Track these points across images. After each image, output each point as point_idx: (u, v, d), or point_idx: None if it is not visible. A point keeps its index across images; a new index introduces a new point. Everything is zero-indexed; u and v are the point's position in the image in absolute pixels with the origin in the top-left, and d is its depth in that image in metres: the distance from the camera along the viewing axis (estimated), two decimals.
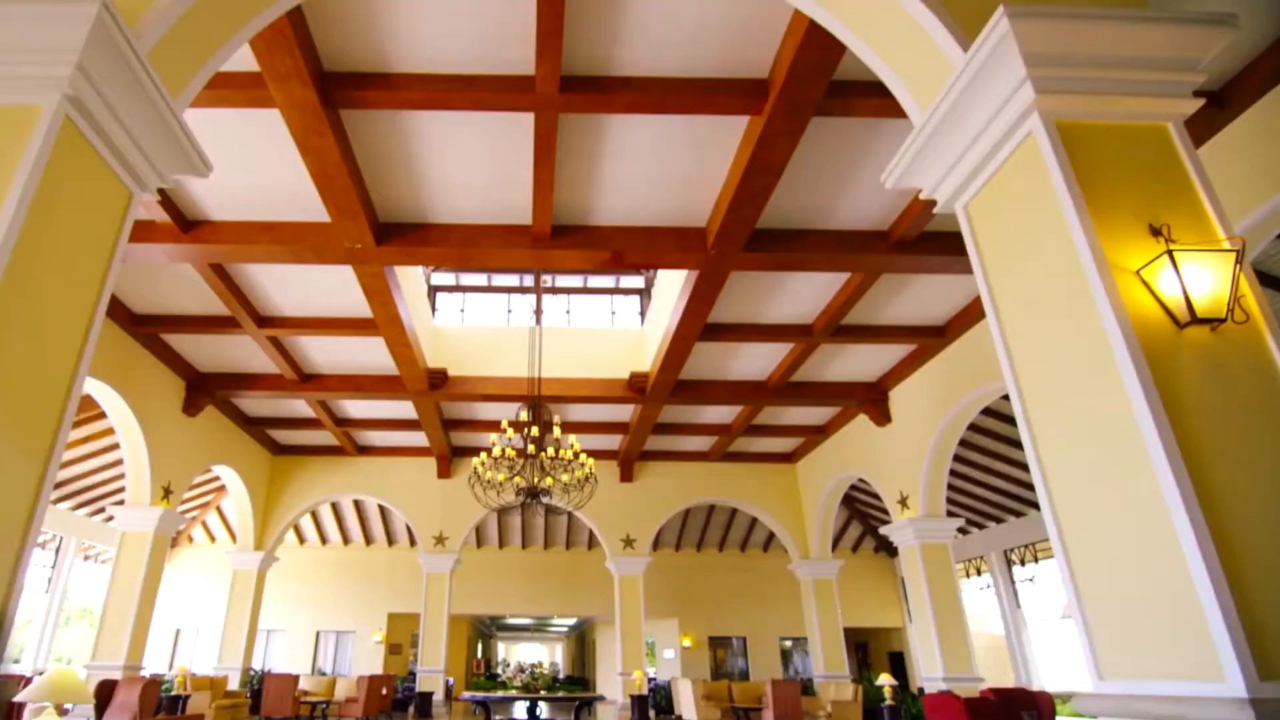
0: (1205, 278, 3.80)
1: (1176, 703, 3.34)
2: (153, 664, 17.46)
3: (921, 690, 12.37)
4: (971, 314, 9.24)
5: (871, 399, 11.72)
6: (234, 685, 14.27)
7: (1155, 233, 4.03)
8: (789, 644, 21.43)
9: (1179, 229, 3.98)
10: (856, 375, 11.66)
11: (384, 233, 7.81)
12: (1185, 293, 3.79)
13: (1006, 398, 10.67)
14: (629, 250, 7.68)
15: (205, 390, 12.08)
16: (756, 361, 11.19)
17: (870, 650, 22.74)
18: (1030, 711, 9.31)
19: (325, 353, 11.34)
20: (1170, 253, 3.83)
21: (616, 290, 13.02)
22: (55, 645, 16.75)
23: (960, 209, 4.65)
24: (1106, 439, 3.83)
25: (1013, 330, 4.55)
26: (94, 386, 10.16)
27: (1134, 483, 3.60)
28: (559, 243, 7.70)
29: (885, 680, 12.46)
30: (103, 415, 11.80)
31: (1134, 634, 3.68)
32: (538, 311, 11.61)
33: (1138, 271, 3.95)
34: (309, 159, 6.41)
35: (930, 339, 9.86)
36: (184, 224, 7.86)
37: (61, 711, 12.09)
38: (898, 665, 21.17)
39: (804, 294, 9.20)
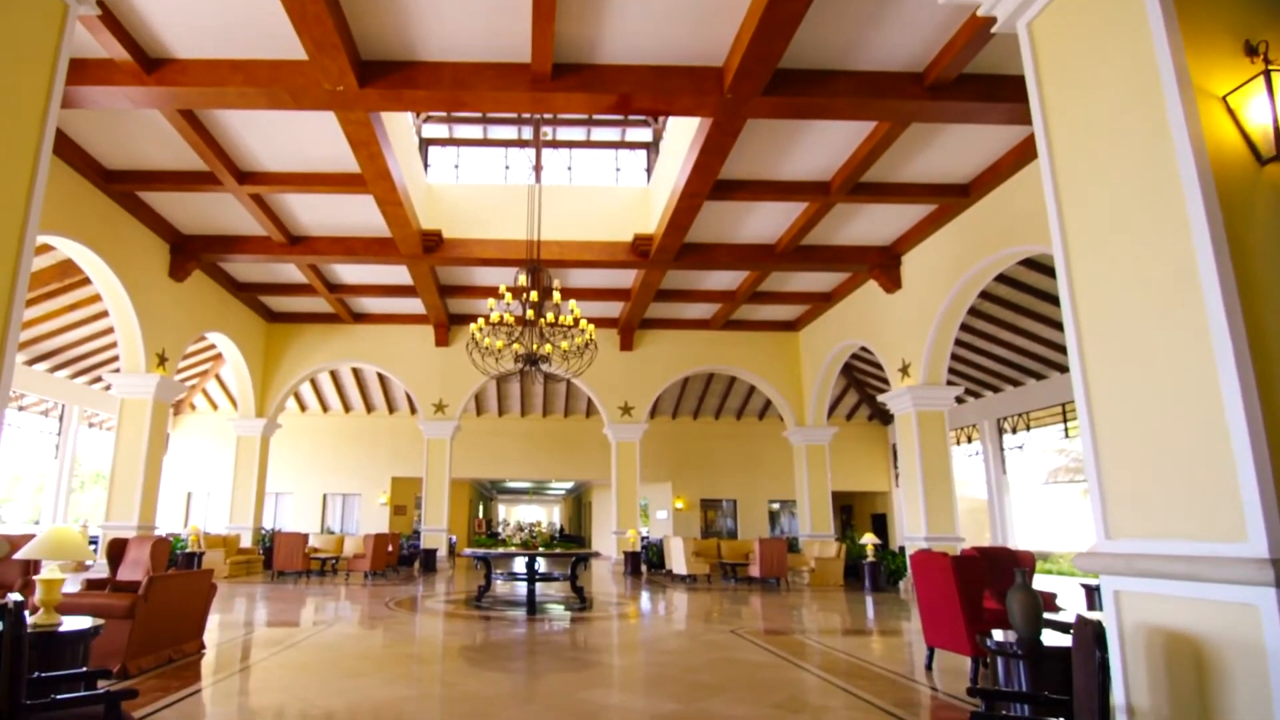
0: None
1: (1189, 562, 3.28)
2: (167, 524, 18.00)
3: (902, 549, 12.92)
4: (1000, 170, 8.69)
5: (883, 264, 11.36)
6: (246, 544, 14.75)
7: (1251, 51, 3.57)
8: (776, 506, 22.27)
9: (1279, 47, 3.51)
10: (870, 239, 11.23)
11: (367, 73, 7.10)
12: (1276, 121, 3.39)
13: (1024, 262, 10.35)
14: (638, 93, 7.03)
15: (190, 253, 11.60)
16: (767, 223, 10.72)
17: (855, 512, 23.73)
18: (1021, 569, 9.75)
19: (313, 212, 10.79)
20: (1267, 73, 3.41)
21: (622, 145, 12.22)
22: (72, 508, 17.18)
23: (1022, 27, 4.15)
24: (1157, 286, 3.56)
25: (1066, 167, 4.18)
26: (73, 249, 9.71)
27: (1181, 334, 3.39)
28: (561, 84, 7.02)
29: (868, 539, 12.99)
30: (89, 281, 11.36)
31: (1150, 493, 3.57)
32: (537, 167, 10.96)
33: (1224, 97, 3.54)
34: None
35: (953, 198, 9.36)
36: (146, 63, 7.12)
37: (82, 568, 12.53)
38: (880, 526, 22.14)
39: (824, 147, 8.60)
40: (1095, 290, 3.98)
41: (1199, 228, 3.33)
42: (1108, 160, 3.88)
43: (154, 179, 9.62)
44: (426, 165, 12.69)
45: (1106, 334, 3.89)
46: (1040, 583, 11.26)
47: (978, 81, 7.03)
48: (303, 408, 21.22)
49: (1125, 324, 3.76)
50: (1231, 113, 3.51)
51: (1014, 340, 13.81)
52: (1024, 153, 8.23)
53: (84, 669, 3.77)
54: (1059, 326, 12.48)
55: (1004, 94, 7.00)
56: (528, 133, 12.37)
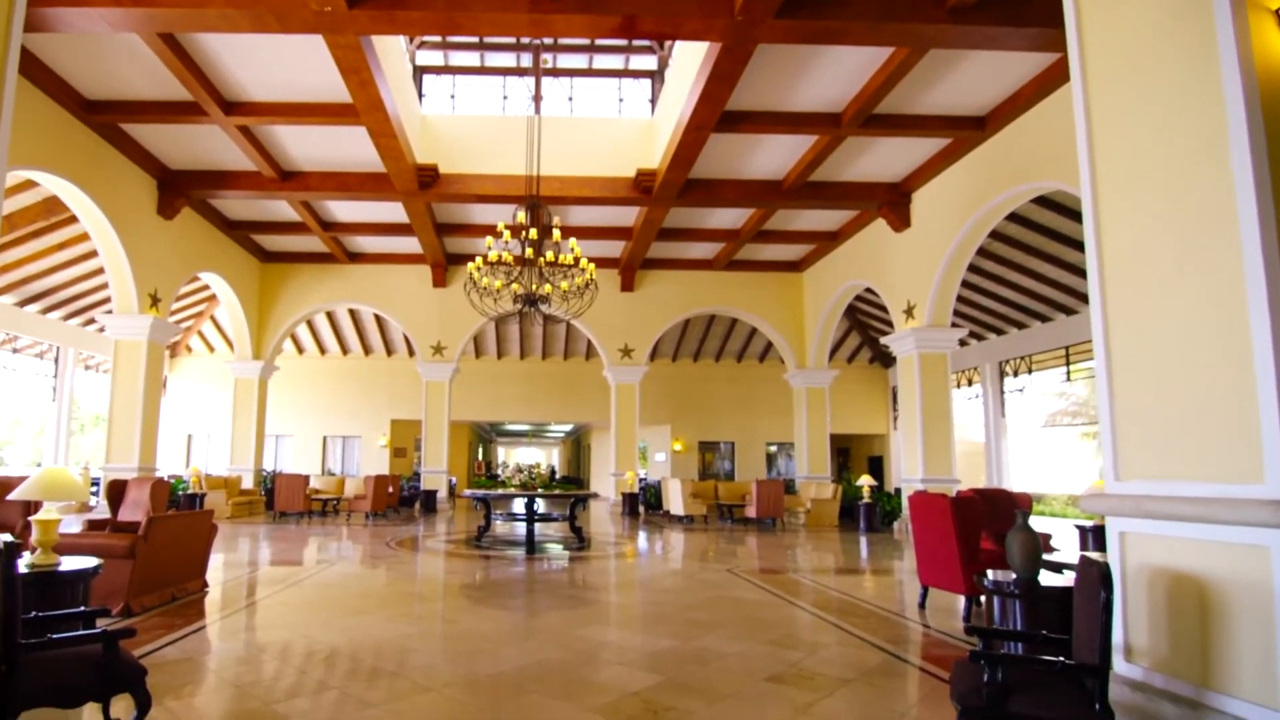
0: None
1: (1201, 503, 3.22)
2: (168, 467, 18.10)
3: (898, 490, 13.03)
4: (1019, 102, 8.32)
5: (892, 201, 11.07)
6: (248, 485, 14.83)
7: None
8: (774, 449, 22.42)
9: None
10: (880, 175, 10.90)
11: None
12: None
13: (1036, 200, 10.07)
14: (642, 15, 6.65)
15: (179, 189, 11.27)
16: (774, 158, 10.38)
17: (852, 455, 23.93)
18: (1023, 511, 9.89)
19: (304, 146, 10.43)
20: None
21: (625, 73, 11.68)
22: (73, 451, 17.20)
23: None
24: (1191, 217, 3.41)
25: (1100, 87, 3.95)
26: (57, 185, 9.40)
27: (1213, 270, 3.24)
28: (561, 4, 6.63)
29: (865, 481, 13.09)
30: (76, 219, 11.06)
31: (1165, 434, 3.48)
32: (536, 98, 10.52)
33: (1276, 10, 3.31)
34: None
35: (968, 131, 9.02)
36: None
37: (85, 509, 12.60)
38: (876, 468, 22.35)
39: (837, 75, 8.22)
40: (1123, 223, 3.81)
41: (1240, 156, 3.14)
42: (1146, 76, 3.65)
43: (137, 110, 9.25)
44: (421, 95, 12.21)
45: (1131, 270, 3.73)
46: (1034, 524, 11.36)
47: (1002, 3, 6.65)
48: (300, 350, 21.10)
49: (1152, 256, 3.60)
50: None
51: (1021, 281, 13.60)
52: (1046, 82, 7.86)
53: (82, 608, 3.73)
54: (1067, 267, 12.27)
55: (1030, 17, 6.63)
56: (527, 60, 11.82)
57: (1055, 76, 7.62)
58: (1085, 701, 2.54)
